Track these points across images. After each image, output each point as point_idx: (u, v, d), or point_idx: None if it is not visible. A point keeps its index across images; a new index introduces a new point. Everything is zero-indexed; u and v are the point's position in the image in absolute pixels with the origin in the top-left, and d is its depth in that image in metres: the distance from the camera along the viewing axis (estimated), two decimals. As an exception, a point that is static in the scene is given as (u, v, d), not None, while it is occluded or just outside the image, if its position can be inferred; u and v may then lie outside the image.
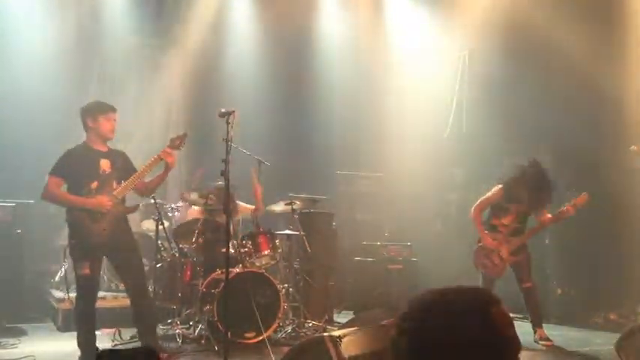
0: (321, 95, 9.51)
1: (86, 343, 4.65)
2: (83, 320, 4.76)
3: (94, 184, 4.73)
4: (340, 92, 9.49)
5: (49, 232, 7.60)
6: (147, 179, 5.04)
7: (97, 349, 4.65)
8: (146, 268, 6.66)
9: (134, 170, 4.93)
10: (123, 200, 4.87)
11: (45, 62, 7.80)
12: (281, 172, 8.22)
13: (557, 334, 6.15)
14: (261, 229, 6.19)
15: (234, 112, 4.48)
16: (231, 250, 5.45)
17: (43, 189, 4.74)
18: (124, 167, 4.93)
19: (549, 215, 5.86)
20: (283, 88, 9.42)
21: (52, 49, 7.91)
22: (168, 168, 4.92)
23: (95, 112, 4.85)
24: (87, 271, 4.64)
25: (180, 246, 6.22)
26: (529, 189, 5.67)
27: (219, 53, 9.37)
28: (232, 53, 9.38)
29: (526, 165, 5.79)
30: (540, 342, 5.75)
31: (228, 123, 4.46)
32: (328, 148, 9.33)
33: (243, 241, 6.04)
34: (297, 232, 6.51)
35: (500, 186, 5.93)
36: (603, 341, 6.00)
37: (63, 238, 7.73)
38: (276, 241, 6.20)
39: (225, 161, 4.47)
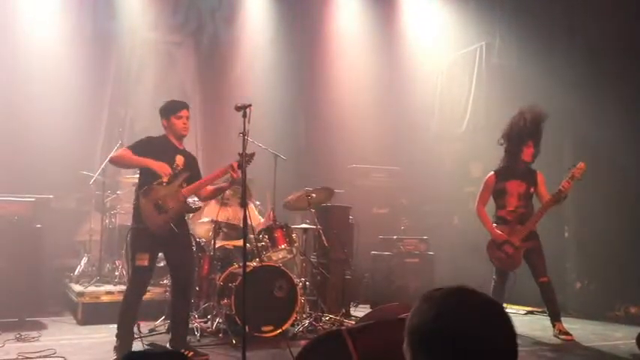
0: (338, 88, 9.49)
1: (126, 333, 4.74)
2: (129, 310, 4.80)
3: (165, 178, 4.82)
4: (357, 85, 9.47)
5: (68, 227, 7.69)
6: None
7: (133, 339, 4.74)
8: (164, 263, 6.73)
9: (199, 173, 5.12)
10: (185, 200, 4.95)
11: (63, 60, 7.87)
12: (297, 166, 8.23)
13: (577, 327, 6.10)
14: (277, 223, 6.20)
15: (250, 105, 4.47)
16: (248, 245, 5.47)
17: (114, 154, 4.99)
18: (193, 170, 5.07)
19: (549, 195, 5.81)
20: (299, 82, 9.42)
21: (68, 47, 7.98)
22: (232, 182, 5.00)
23: (167, 112, 5.00)
24: (145, 262, 4.72)
25: (198, 240, 6.25)
26: (511, 136, 5.93)
27: (234, 48, 9.38)
28: (248, 48, 9.38)
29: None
30: (560, 336, 5.70)
31: (244, 117, 4.45)
32: (345, 141, 9.31)
33: (260, 236, 6.06)
34: (314, 226, 6.51)
35: (491, 172, 6.10)
36: (623, 335, 5.95)
37: (82, 234, 7.85)
38: (293, 235, 6.21)
39: (242, 155, 4.47)
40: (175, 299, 5.00)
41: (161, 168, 4.77)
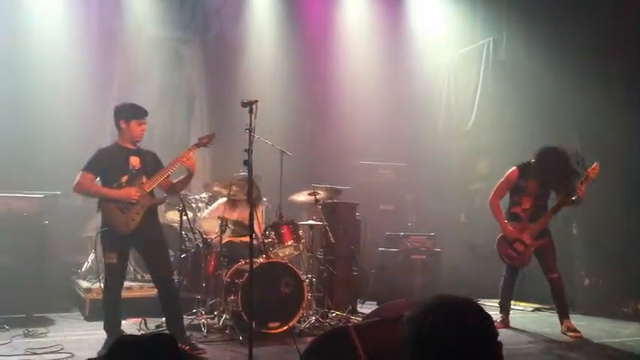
0: (344, 85, 9.47)
1: (112, 328, 4.87)
2: (109, 307, 4.93)
3: (125, 178, 4.90)
4: (363, 82, 9.45)
5: (75, 224, 7.69)
6: (174, 179, 5.22)
7: (121, 333, 4.79)
8: (171, 259, 6.73)
9: (162, 168, 5.11)
10: (152, 193, 5.03)
11: (69, 57, 7.87)
12: (304, 163, 8.22)
13: (585, 324, 6.07)
14: (284, 220, 6.19)
15: (256, 101, 4.47)
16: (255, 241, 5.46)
17: (74, 182, 4.89)
18: (152, 164, 5.10)
19: (563, 195, 5.77)
20: (306, 78, 9.39)
21: (75, 44, 7.97)
22: (190, 171, 5.08)
23: (128, 116, 5.02)
24: (114, 260, 4.83)
25: (205, 237, 6.25)
26: (548, 170, 5.67)
27: (241, 45, 9.36)
28: (254, 45, 9.37)
29: (546, 147, 5.77)
30: (568, 333, 5.68)
31: (250, 113, 4.45)
32: (351, 138, 9.30)
33: (267, 232, 6.05)
34: (321, 223, 6.50)
35: (515, 167, 5.94)
36: (632, 332, 5.93)
37: (89, 230, 7.85)
38: (300, 231, 6.20)
39: (248, 151, 4.47)
40: (161, 297, 5.04)
41: (125, 196, 4.82)
